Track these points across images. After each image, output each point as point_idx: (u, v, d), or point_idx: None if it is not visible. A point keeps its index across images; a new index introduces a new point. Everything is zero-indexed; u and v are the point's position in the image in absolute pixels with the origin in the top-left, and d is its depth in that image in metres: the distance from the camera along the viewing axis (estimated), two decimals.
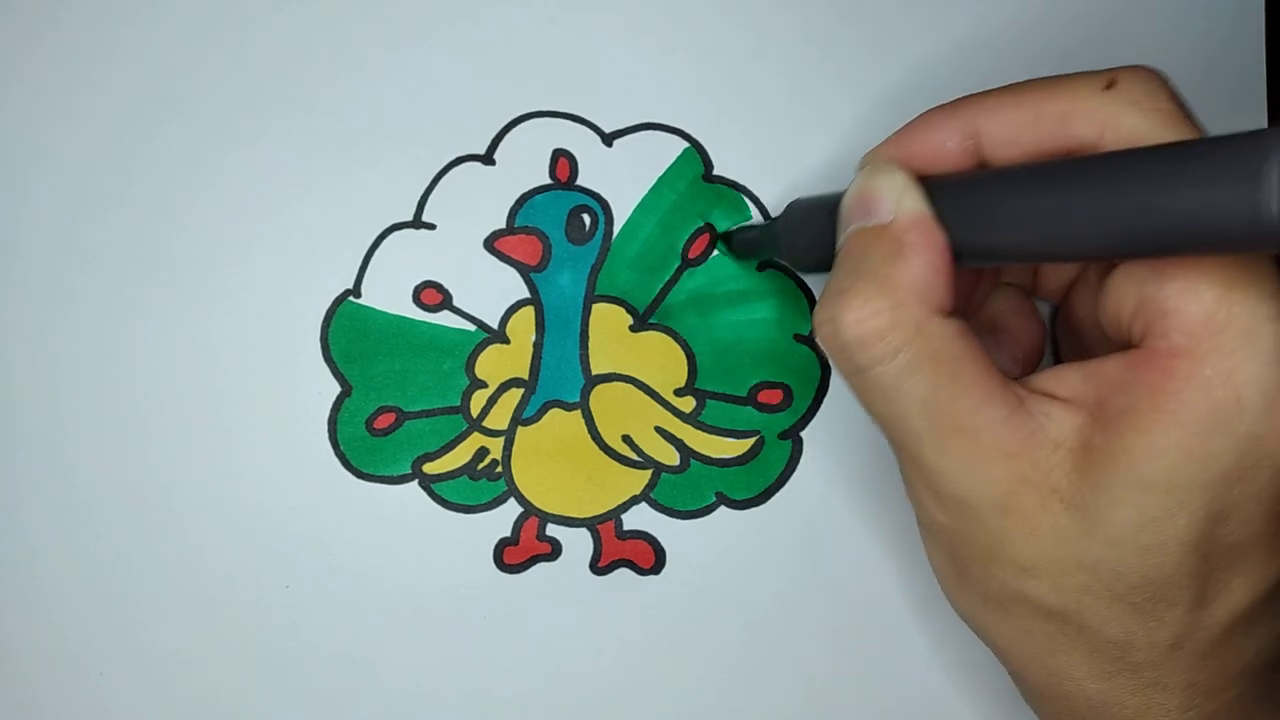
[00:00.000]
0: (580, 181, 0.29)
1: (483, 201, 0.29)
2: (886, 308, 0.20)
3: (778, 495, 0.29)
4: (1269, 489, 0.19)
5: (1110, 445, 0.19)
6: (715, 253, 0.29)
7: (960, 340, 0.20)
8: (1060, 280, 0.26)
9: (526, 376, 0.29)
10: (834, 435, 0.29)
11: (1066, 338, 0.27)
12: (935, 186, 0.21)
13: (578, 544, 0.29)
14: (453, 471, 0.29)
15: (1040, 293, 0.27)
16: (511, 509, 0.29)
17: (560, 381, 0.29)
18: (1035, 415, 0.20)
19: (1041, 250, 0.20)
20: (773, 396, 0.29)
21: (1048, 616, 0.21)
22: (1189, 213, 0.17)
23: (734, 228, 0.29)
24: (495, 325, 0.29)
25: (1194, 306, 0.19)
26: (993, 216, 0.20)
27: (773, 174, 0.29)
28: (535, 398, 0.29)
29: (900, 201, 0.21)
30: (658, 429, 0.29)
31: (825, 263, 0.23)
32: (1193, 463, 0.19)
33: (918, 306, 0.20)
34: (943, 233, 0.21)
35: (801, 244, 0.25)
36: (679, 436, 0.29)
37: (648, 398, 0.29)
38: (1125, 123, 0.20)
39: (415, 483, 0.29)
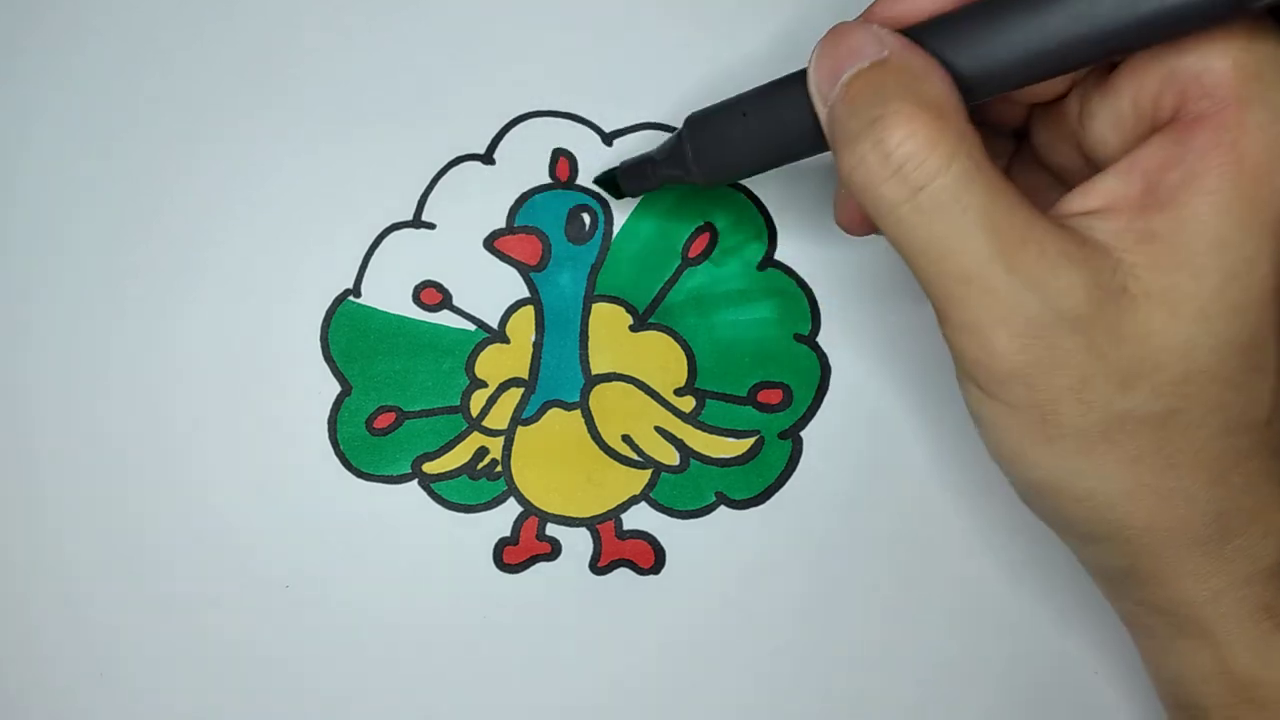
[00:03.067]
0: (580, 181, 0.29)
1: (483, 201, 0.29)
2: (931, 120, 0.19)
3: (778, 495, 0.29)
4: None
5: (1176, 221, 0.19)
6: (715, 252, 0.29)
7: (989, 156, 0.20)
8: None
9: (526, 376, 0.29)
10: (834, 435, 0.29)
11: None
12: (911, 33, 0.21)
13: (577, 544, 0.29)
14: (453, 471, 0.29)
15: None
16: (511, 509, 0.29)
17: (560, 381, 0.29)
18: (1079, 228, 0.20)
19: (1048, 61, 0.20)
20: (773, 396, 0.29)
21: (1154, 427, 0.20)
22: None
23: (619, 165, 0.28)
24: (495, 325, 0.29)
25: (1221, 63, 0.19)
26: (994, 37, 0.20)
27: (771, 173, 0.29)
28: (535, 397, 0.29)
29: (885, 41, 0.21)
30: (658, 429, 0.29)
31: (744, 167, 0.24)
32: (1261, 207, 0.19)
33: (957, 117, 0.20)
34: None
35: (718, 150, 0.24)
36: (679, 436, 0.29)
37: (648, 397, 0.29)
38: None
39: (415, 482, 0.29)
